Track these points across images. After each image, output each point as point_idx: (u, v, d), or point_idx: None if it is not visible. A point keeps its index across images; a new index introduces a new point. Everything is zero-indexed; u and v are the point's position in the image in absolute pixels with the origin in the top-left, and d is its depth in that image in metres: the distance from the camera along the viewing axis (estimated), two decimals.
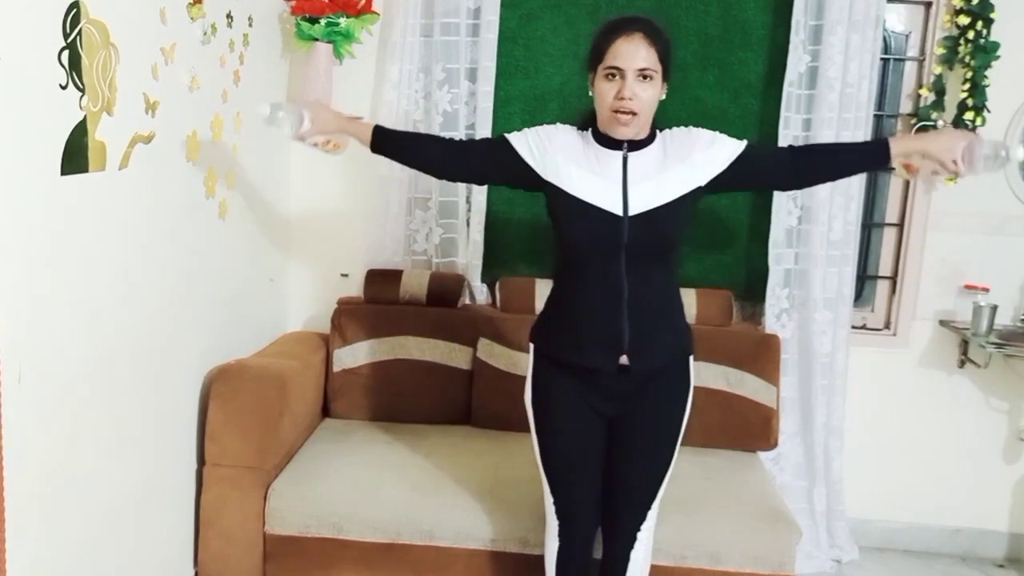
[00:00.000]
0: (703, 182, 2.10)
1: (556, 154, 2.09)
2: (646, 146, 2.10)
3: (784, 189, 2.21)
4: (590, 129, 2.12)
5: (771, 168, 2.19)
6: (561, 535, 2.24)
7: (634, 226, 2.04)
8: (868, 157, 2.20)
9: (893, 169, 2.18)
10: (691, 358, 2.24)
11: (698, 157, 2.09)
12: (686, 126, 2.17)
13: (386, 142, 2.22)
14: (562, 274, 2.18)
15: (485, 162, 2.22)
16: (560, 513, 2.23)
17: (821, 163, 2.21)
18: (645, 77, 1.99)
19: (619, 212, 2.04)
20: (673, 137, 2.13)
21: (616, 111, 2.00)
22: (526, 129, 2.17)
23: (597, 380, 2.14)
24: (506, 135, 2.17)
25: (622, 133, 2.04)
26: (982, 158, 2.04)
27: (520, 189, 2.26)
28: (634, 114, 2.00)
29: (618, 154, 2.08)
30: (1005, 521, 3.42)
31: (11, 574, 1.73)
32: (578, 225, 2.07)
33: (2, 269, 1.65)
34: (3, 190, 1.63)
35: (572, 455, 2.20)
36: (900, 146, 2.15)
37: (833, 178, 2.34)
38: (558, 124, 2.17)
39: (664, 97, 2.08)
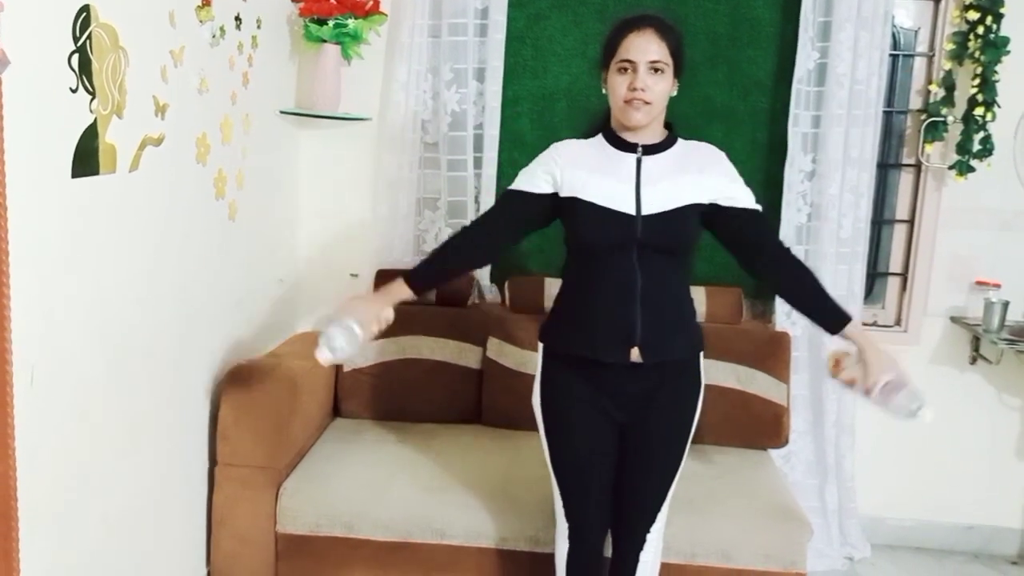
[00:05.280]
0: (704, 201, 2.09)
1: (568, 166, 2.10)
2: (661, 151, 2.10)
3: (745, 267, 2.17)
4: (600, 134, 2.13)
5: (752, 243, 2.14)
6: (571, 538, 2.23)
7: (647, 225, 2.04)
8: (826, 313, 2.10)
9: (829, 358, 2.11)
10: (701, 355, 2.23)
11: (708, 180, 2.09)
12: (712, 144, 2.17)
13: (422, 279, 2.14)
14: (574, 269, 2.17)
15: (511, 222, 2.17)
16: (570, 517, 2.22)
17: (787, 279, 2.14)
18: (657, 70, 2.01)
19: (632, 212, 2.04)
20: (697, 149, 2.14)
21: (629, 100, 2.02)
22: (532, 164, 2.15)
23: (609, 378, 2.11)
24: (514, 186, 2.15)
25: (636, 120, 2.03)
26: (898, 401, 1.98)
27: (542, 228, 2.20)
28: (647, 103, 2.01)
29: (632, 156, 2.09)
30: (1018, 518, 3.41)
31: (25, 575, 1.75)
32: (592, 226, 2.07)
33: (14, 271, 1.66)
34: (15, 193, 1.64)
35: (583, 459, 2.18)
36: (855, 331, 2.06)
37: (785, 297, 2.26)
38: (558, 143, 2.17)
39: (675, 93, 2.09)
